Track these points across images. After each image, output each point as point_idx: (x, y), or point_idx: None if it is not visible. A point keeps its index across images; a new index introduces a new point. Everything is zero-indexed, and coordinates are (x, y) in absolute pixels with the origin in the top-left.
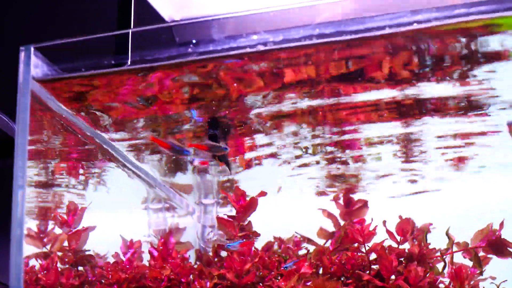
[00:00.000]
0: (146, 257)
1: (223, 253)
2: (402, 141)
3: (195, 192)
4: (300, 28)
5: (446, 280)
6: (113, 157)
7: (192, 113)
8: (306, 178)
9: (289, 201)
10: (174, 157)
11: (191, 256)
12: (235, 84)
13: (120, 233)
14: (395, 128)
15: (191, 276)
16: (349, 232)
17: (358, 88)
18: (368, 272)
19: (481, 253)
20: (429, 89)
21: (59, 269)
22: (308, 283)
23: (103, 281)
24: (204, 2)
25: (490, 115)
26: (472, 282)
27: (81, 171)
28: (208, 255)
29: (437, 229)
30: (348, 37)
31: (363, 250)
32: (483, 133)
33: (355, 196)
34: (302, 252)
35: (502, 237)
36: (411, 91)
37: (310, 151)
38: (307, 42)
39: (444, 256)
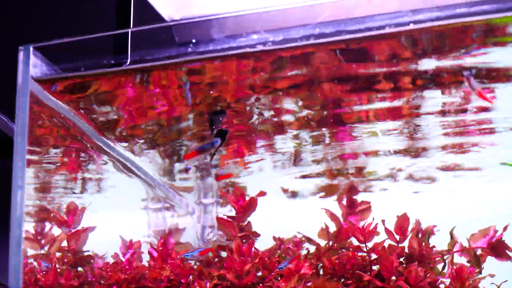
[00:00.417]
0: (145, 258)
1: (223, 254)
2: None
3: (195, 191)
4: (300, 28)
5: (447, 281)
6: (112, 157)
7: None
8: (306, 178)
9: (289, 201)
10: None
11: None
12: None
13: (120, 234)
14: (396, 129)
15: (190, 277)
16: (344, 229)
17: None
18: (368, 272)
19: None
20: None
21: (58, 270)
22: (309, 284)
23: (102, 281)
24: (204, 1)
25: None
26: (471, 282)
27: (80, 171)
28: (208, 255)
29: (438, 229)
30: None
31: (364, 249)
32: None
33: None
34: (302, 252)
35: (503, 240)
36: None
37: (310, 152)
38: (307, 42)
39: (445, 256)
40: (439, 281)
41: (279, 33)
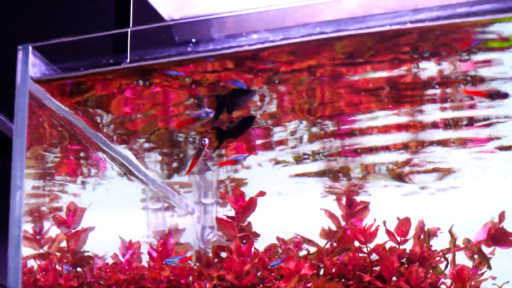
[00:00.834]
0: (145, 258)
1: (223, 254)
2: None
3: (194, 191)
4: (300, 27)
5: (448, 281)
6: (111, 156)
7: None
8: (307, 178)
9: (290, 201)
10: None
11: None
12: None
13: (119, 234)
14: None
15: (190, 278)
16: (348, 232)
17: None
18: (369, 273)
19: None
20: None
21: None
22: (309, 285)
23: (101, 282)
24: (203, 1)
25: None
26: (473, 283)
27: (79, 171)
28: (207, 256)
29: (441, 231)
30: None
31: (365, 250)
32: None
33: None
34: (302, 253)
35: (502, 227)
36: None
37: (310, 151)
38: (307, 39)
39: (447, 255)
40: (440, 281)
41: (279, 33)
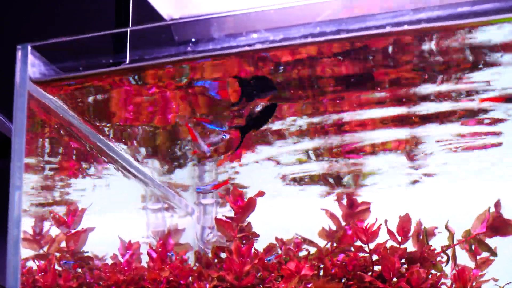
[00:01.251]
0: (144, 259)
1: (223, 255)
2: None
3: (194, 192)
4: (300, 27)
5: (449, 282)
6: (111, 157)
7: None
8: (307, 178)
9: (290, 201)
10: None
11: (190, 257)
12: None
13: (119, 234)
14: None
15: (190, 278)
16: (348, 232)
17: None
18: (370, 273)
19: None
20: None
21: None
22: (309, 285)
23: (101, 283)
24: (203, 0)
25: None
26: (474, 284)
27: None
28: (207, 256)
29: (439, 230)
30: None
31: (366, 250)
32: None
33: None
34: (302, 253)
35: (500, 216)
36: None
37: (310, 152)
38: (307, 40)
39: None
40: (441, 282)
41: (279, 32)
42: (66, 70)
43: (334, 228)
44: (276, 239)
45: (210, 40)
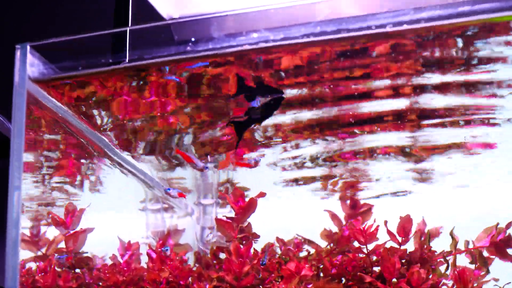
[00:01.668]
0: (144, 259)
1: (222, 255)
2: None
3: (194, 192)
4: (301, 26)
5: (450, 283)
6: (110, 157)
7: None
8: (307, 178)
9: (290, 201)
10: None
11: (190, 258)
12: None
13: (118, 235)
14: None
15: (189, 279)
16: (347, 232)
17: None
18: (370, 274)
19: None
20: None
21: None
22: (309, 286)
23: (100, 283)
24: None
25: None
26: (475, 285)
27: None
28: (207, 257)
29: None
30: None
31: (365, 251)
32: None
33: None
34: (303, 254)
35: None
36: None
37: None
38: (308, 39)
39: (448, 258)
40: (442, 283)
41: (280, 31)
42: (66, 70)
43: (336, 229)
44: (277, 239)
45: (210, 39)
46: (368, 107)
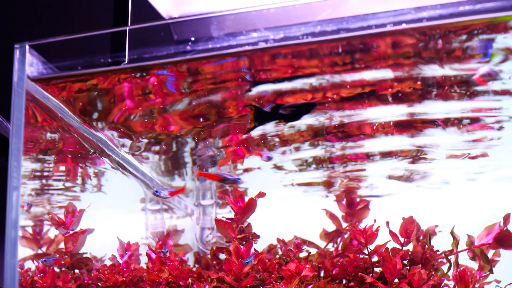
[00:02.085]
0: (144, 260)
1: (222, 256)
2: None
3: (194, 193)
4: (301, 25)
5: (451, 283)
6: (110, 157)
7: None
8: (306, 178)
9: (290, 201)
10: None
11: (190, 258)
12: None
13: (117, 235)
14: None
15: (189, 279)
16: (353, 237)
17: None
18: (371, 274)
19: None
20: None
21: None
22: (310, 286)
23: (99, 284)
24: None
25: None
26: (477, 285)
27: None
28: (207, 257)
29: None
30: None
31: (366, 252)
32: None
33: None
34: (303, 254)
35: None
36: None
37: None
38: (308, 39)
39: (449, 257)
40: (443, 283)
41: (280, 31)
42: (65, 69)
43: (334, 228)
44: (278, 240)
45: (209, 38)
46: (369, 111)
